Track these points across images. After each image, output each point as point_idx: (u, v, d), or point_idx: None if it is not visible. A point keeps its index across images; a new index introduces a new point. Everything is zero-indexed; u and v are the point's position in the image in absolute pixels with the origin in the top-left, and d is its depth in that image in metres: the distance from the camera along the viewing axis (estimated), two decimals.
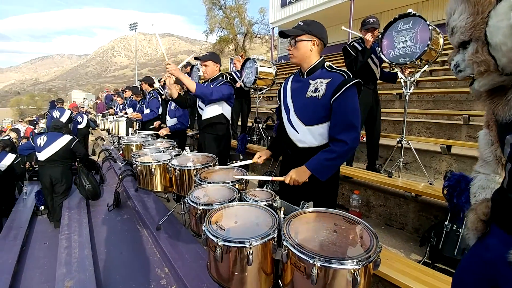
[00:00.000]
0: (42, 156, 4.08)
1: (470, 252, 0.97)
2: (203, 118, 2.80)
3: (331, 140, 1.49)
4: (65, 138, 4.26)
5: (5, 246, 3.39)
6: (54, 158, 4.09)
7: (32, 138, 4.40)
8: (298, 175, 1.49)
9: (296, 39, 1.51)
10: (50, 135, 4.22)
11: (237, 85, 4.85)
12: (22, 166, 6.02)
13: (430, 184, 2.74)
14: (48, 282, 2.67)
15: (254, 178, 1.54)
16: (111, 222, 3.67)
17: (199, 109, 2.87)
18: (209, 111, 2.76)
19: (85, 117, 8.52)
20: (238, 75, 5.05)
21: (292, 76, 1.73)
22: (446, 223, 1.97)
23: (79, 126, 8.20)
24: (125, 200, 4.29)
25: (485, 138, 0.98)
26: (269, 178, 1.54)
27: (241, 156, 4.38)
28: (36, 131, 11.45)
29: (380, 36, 2.86)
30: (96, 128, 11.49)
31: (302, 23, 1.51)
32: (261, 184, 3.46)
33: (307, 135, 1.55)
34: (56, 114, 7.31)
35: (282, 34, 1.55)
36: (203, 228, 1.16)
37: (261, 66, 4.52)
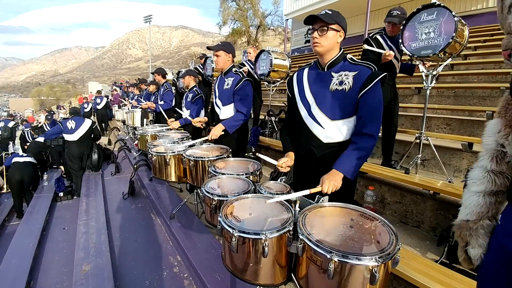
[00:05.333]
0: (74, 136, 4.95)
1: (492, 241, 0.91)
2: (220, 117, 2.76)
3: (358, 134, 1.43)
4: (88, 122, 5.17)
5: (27, 230, 3.55)
6: (84, 136, 5.02)
7: (61, 123, 5.15)
8: (335, 180, 1.35)
9: (329, 27, 1.41)
10: (76, 119, 5.05)
11: (244, 69, 4.79)
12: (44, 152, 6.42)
13: (449, 182, 2.65)
14: (67, 265, 2.78)
15: (292, 196, 1.27)
16: (126, 210, 3.78)
17: (216, 107, 2.81)
18: (226, 111, 2.73)
19: (104, 99, 10.97)
20: (251, 65, 4.98)
21: (306, 68, 1.63)
22: None
23: (98, 107, 10.78)
24: (140, 189, 4.39)
25: (494, 126, 0.95)
26: (306, 192, 1.28)
27: (253, 148, 4.38)
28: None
29: (402, 27, 2.75)
30: (112, 119, 11.82)
31: (330, 12, 1.42)
32: (275, 177, 3.45)
33: (334, 130, 1.48)
34: (98, 100, 10.86)
35: (310, 20, 1.45)
36: (219, 218, 1.16)
37: (275, 58, 4.45)
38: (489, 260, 0.90)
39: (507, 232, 0.84)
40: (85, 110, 11.14)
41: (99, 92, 12.49)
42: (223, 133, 2.59)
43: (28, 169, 5.23)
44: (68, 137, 4.97)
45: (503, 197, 0.92)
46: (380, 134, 3.34)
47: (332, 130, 1.49)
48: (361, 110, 1.41)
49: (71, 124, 4.98)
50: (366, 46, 2.84)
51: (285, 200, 1.31)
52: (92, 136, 5.31)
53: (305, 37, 16.61)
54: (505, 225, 0.86)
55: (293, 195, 1.27)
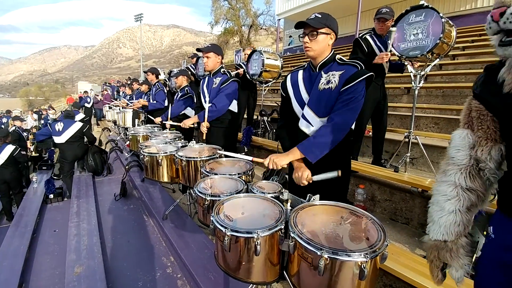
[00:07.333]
0: (62, 138, 4.86)
1: (486, 257, 0.85)
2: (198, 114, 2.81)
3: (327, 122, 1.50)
4: (78, 124, 5.08)
5: (17, 233, 3.48)
6: (71, 140, 4.93)
7: (50, 125, 5.08)
8: (281, 157, 1.49)
9: (318, 31, 1.45)
10: (65, 121, 4.99)
11: (240, 71, 4.79)
12: (24, 153, 6.29)
13: None
14: (58, 267, 2.74)
15: (234, 155, 1.63)
16: (118, 211, 3.74)
17: (205, 105, 2.85)
18: None
19: (92, 100, 12.44)
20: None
21: (301, 70, 1.68)
22: None
23: (86, 105, 11.99)
24: (131, 190, 4.35)
25: (464, 140, 0.87)
26: (249, 158, 1.59)
27: (245, 148, 4.39)
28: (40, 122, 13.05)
29: (391, 28, 2.80)
30: (102, 119, 11.73)
31: (320, 15, 1.46)
32: (267, 176, 3.47)
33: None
34: (88, 99, 12.25)
35: (301, 25, 1.48)
36: (211, 218, 1.17)
37: (267, 58, 4.47)
38: (488, 280, 0.83)
39: (504, 246, 0.77)
40: (86, 105, 11.94)
41: (86, 92, 13.94)
42: (195, 125, 2.81)
43: (7, 172, 5.01)
44: (56, 139, 4.90)
45: (476, 209, 0.88)
46: (370, 134, 3.40)
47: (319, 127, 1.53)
48: (337, 102, 1.46)
49: (59, 126, 4.90)
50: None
51: (276, 199, 1.34)
52: (84, 138, 5.21)
53: (289, 45, 16.96)
54: (501, 238, 0.79)
55: (237, 156, 1.64)
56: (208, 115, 2.67)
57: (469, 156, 0.85)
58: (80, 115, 11.37)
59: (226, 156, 1.68)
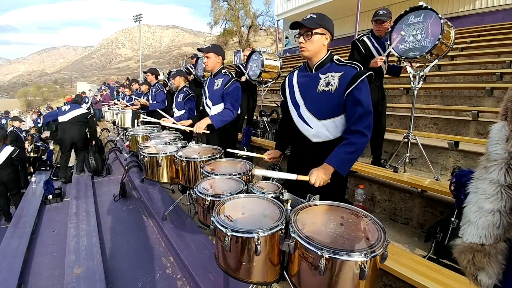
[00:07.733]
0: (65, 118, 5.17)
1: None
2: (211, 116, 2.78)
3: (348, 132, 1.47)
4: (83, 109, 5.46)
5: (16, 233, 3.46)
6: (73, 120, 5.19)
7: (58, 108, 5.56)
8: (323, 174, 1.40)
9: (313, 32, 1.46)
10: (72, 105, 5.38)
11: (242, 79, 4.81)
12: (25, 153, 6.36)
13: (436, 180, 2.73)
14: (57, 268, 2.73)
15: (278, 175, 1.40)
16: (117, 212, 3.74)
17: (206, 107, 2.84)
18: (216, 111, 2.75)
19: (90, 101, 12.61)
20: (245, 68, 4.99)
21: (296, 71, 1.69)
22: (452, 219, 1.97)
23: (85, 105, 11.95)
24: (131, 190, 4.35)
25: (501, 132, 0.80)
26: (293, 177, 1.39)
27: (245, 149, 4.39)
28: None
29: (389, 29, 2.81)
30: (101, 120, 11.73)
31: (315, 16, 1.47)
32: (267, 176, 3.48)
33: (322, 130, 1.53)
34: (86, 100, 12.23)
35: (296, 25, 1.49)
36: (212, 218, 1.17)
37: (266, 59, 4.48)
38: None
39: None
40: (84, 106, 12.39)
41: (84, 93, 14.39)
42: (207, 131, 2.63)
43: (5, 173, 5.04)
44: (60, 118, 5.21)
45: None
46: None
47: (320, 130, 1.54)
48: (347, 108, 1.46)
49: (65, 107, 5.27)
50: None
51: (277, 199, 1.34)
52: (85, 127, 5.37)
53: (286, 45, 16.98)
54: None
55: (280, 175, 1.40)
56: (223, 119, 2.62)
57: (505, 150, 0.78)
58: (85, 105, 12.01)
59: (263, 175, 1.42)
